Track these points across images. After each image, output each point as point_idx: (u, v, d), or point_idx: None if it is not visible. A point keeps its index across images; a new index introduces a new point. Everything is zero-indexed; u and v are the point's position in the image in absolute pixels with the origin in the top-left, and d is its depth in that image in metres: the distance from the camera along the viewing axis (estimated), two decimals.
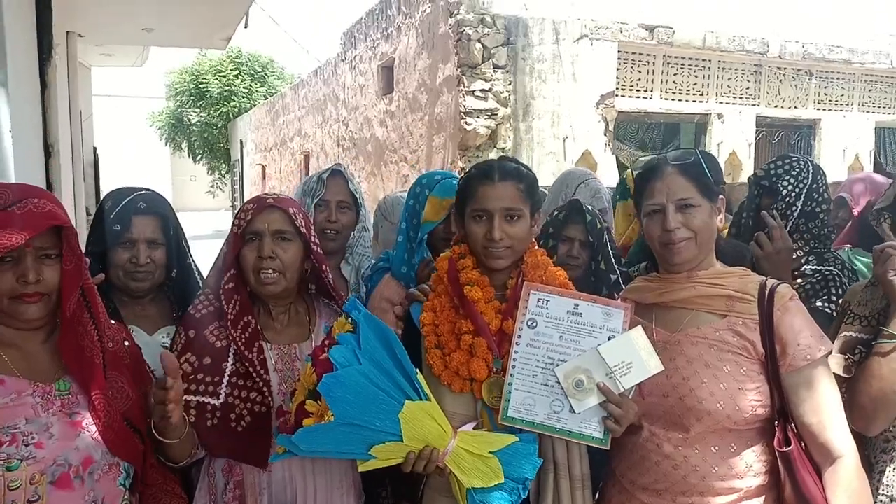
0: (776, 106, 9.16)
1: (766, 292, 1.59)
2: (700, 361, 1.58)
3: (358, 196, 2.43)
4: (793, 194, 2.15)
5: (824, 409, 1.52)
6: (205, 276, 1.94)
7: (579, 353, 1.60)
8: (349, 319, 1.59)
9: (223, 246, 1.77)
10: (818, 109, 9.41)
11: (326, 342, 1.57)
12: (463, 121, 7.28)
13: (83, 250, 1.50)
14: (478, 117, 7.30)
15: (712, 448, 1.56)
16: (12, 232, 1.27)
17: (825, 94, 9.48)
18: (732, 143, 8.68)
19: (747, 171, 8.32)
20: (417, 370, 1.61)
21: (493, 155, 7.27)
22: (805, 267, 2.10)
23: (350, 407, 1.45)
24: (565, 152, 7.62)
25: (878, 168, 9.45)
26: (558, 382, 1.59)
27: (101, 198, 1.94)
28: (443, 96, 7.84)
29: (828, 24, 9.44)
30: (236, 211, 1.77)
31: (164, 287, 1.96)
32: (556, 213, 2.37)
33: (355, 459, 1.51)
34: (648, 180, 1.68)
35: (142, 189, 1.96)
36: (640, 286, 1.80)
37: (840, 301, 1.97)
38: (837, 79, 9.51)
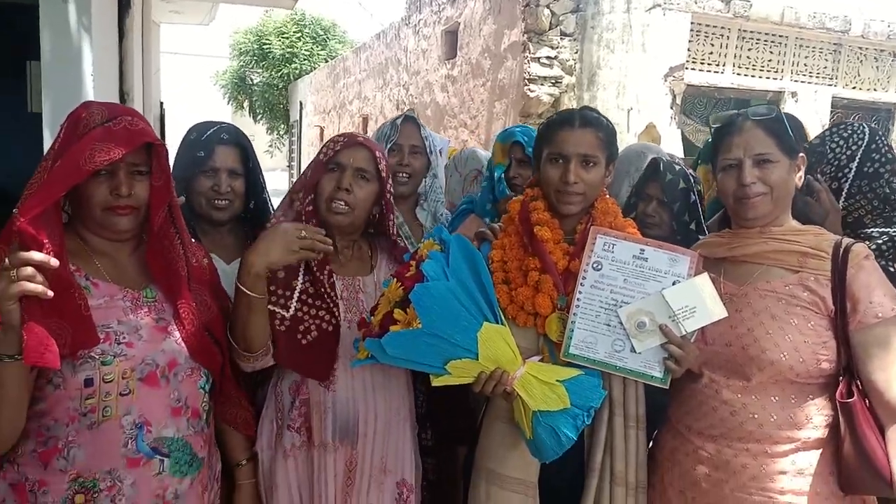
0: (854, 87, 8.73)
1: (841, 250, 1.58)
2: (767, 313, 1.58)
3: (429, 143, 2.47)
4: (844, 156, 2.11)
5: (892, 367, 1.50)
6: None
7: (643, 296, 1.64)
8: (438, 241, 1.64)
9: (305, 171, 1.83)
10: None
11: (412, 262, 1.63)
12: (526, 87, 7.20)
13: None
14: (542, 84, 7.20)
15: (772, 398, 1.57)
16: (111, 146, 1.33)
17: None
18: (805, 123, 8.28)
19: None
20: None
21: None
22: (872, 230, 2.04)
23: (437, 318, 1.52)
24: (629, 124, 7.46)
25: None
26: (620, 323, 1.64)
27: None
28: (507, 62, 7.75)
29: None
30: (324, 142, 1.83)
31: (242, 218, 2.03)
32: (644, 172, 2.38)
33: (431, 373, 1.58)
34: (727, 135, 1.67)
35: (222, 122, 2.03)
36: (709, 241, 1.80)
37: None
38: None
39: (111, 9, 4.32)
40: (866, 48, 8.73)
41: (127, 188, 1.39)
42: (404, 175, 2.40)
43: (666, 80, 7.68)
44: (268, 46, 20.44)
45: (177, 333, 1.45)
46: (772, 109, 1.69)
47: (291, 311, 1.71)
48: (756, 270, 1.65)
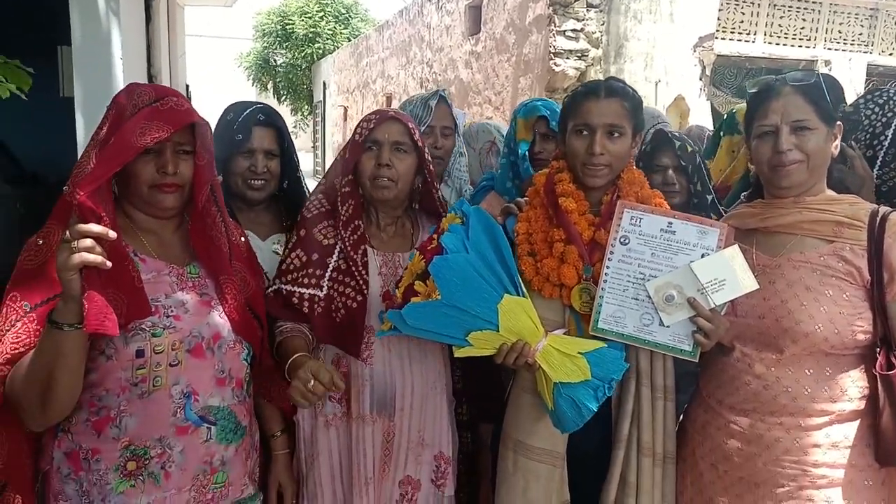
0: (891, 54, 8.49)
1: (878, 219, 1.55)
2: (801, 285, 1.56)
3: (458, 122, 2.48)
4: (880, 122, 2.06)
5: None
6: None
7: (671, 270, 1.63)
8: (459, 214, 1.66)
9: (341, 153, 1.86)
10: None
11: (435, 235, 1.65)
12: (552, 62, 7.13)
13: None
14: (567, 58, 7.12)
15: (806, 370, 1.55)
16: (159, 125, 1.37)
17: None
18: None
19: None
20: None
21: None
22: None
23: (455, 289, 1.54)
24: (657, 96, 7.36)
25: None
26: (649, 297, 1.63)
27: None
28: (532, 36, 7.67)
29: None
30: (358, 121, 1.86)
31: (277, 197, 2.07)
32: (643, 147, 2.37)
33: (453, 345, 1.61)
34: (764, 100, 1.64)
35: (260, 103, 2.05)
36: (741, 212, 1.78)
37: None
38: None
39: None
40: None
41: (173, 166, 1.42)
42: (437, 157, 2.41)
43: (695, 51, 7.55)
44: (291, 27, 20.44)
45: (220, 308, 1.50)
46: (811, 75, 1.65)
47: (325, 290, 1.76)
48: (790, 241, 1.63)
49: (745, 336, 1.63)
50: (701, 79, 7.56)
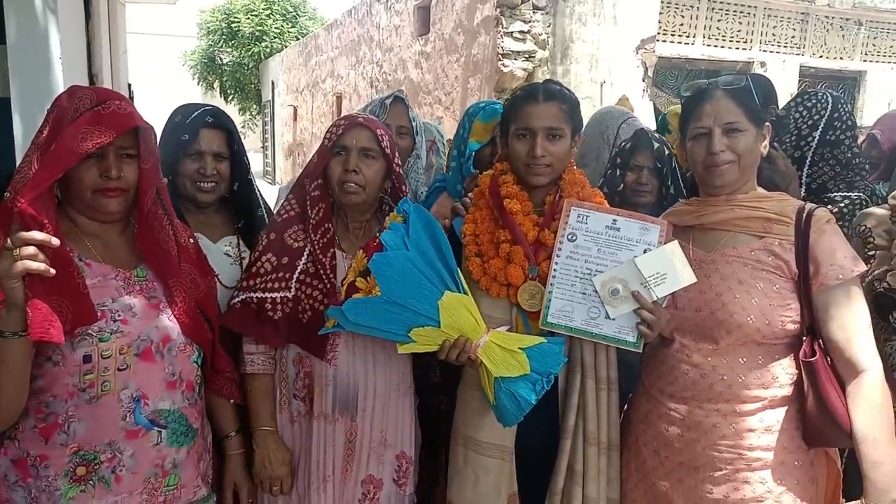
0: (821, 56, 8.88)
1: (804, 215, 1.64)
2: (734, 278, 1.65)
3: (416, 124, 2.51)
4: (807, 125, 2.20)
5: (852, 326, 1.58)
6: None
7: (616, 265, 1.70)
8: (401, 213, 1.70)
9: (313, 157, 1.88)
10: (865, 61, 9.11)
11: (379, 234, 1.69)
12: (500, 62, 7.21)
13: None
14: (515, 59, 7.21)
15: (740, 359, 1.64)
16: (101, 130, 1.36)
17: (873, 46, 9.16)
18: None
19: None
20: (458, 268, 1.72)
21: None
22: (834, 194, 2.13)
23: (395, 286, 1.58)
24: (602, 97, 7.52)
25: None
26: (595, 291, 1.70)
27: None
28: (480, 37, 7.74)
29: None
30: (329, 126, 1.87)
31: (227, 199, 2.06)
32: (623, 144, 2.44)
33: (396, 341, 1.64)
34: (697, 104, 1.72)
35: (208, 105, 2.04)
36: (678, 209, 1.87)
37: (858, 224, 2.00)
38: (888, 30, 9.17)
39: None
40: (832, 17, 8.87)
41: (116, 171, 1.42)
42: None
43: (638, 53, 7.75)
44: (236, 25, 20.05)
45: (169, 311, 1.50)
46: (741, 79, 1.74)
47: (293, 291, 1.78)
48: (723, 237, 1.71)
49: (684, 328, 1.71)
50: (644, 80, 7.77)
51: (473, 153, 2.40)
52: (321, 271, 1.78)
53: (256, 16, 20.05)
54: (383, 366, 1.83)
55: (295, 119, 16.76)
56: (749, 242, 1.68)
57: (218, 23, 20.33)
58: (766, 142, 1.75)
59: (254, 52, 20.08)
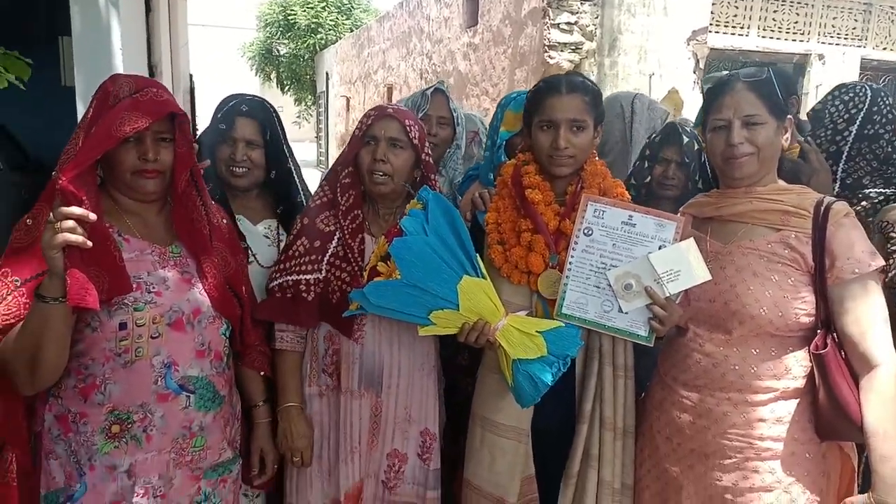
0: (885, 48, 8.52)
1: (822, 208, 1.63)
2: (749, 270, 1.65)
3: (456, 115, 2.57)
4: (842, 119, 2.14)
5: (866, 320, 1.56)
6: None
7: (630, 260, 1.72)
8: (421, 200, 1.76)
9: (346, 147, 1.96)
10: None
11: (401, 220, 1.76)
12: (546, 54, 7.19)
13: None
14: (562, 51, 7.19)
15: (753, 350, 1.64)
16: (138, 115, 1.46)
17: None
18: (833, 86, 8.18)
19: None
20: (477, 254, 1.77)
21: None
22: (870, 190, 2.09)
23: (415, 270, 1.65)
24: (651, 89, 7.41)
25: None
26: (609, 285, 1.72)
27: (197, 121, 2.15)
28: (527, 29, 7.73)
29: None
30: (360, 116, 1.95)
31: (266, 185, 2.16)
32: (653, 136, 2.45)
33: (417, 323, 1.71)
34: (717, 96, 1.72)
35: (250, 95, 2.15)
36: (699, 201, 1.87)
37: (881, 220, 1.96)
38: None
39: None
40: None
41: (153, 154, 1.52)
42: (433, 145, 2.50)
43: (689, 44, 7.60)
44: (293, 17, 20.46)
45: (200, 285, 1.60)
46: (762, 71, 1.73)
47: (323, 273, 1.87)
48: (741, 229, 1.71)
49: (698, 318, 1.72)
50: (695, 72, 7.61)
51: (504, 142, 2.45)
52: (349, 255, 1.86)
53: (312, 8, 20.41)
54: (408, 346, 1.90)
55: (347, 110, 17.02)
56: (766, 235, 1.67)
57: (275, 15, 20.78)
58: (788, 134, 1.74)
59: (309, 44, 20.45)
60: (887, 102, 2.17)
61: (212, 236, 1.66)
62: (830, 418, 1.58)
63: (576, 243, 1.77)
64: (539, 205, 1.85)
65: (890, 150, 2.14)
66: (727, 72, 1.77)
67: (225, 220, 1.80)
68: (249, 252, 2.00)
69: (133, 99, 1.48)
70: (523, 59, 7.83)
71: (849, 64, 8.35)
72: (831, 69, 8.23)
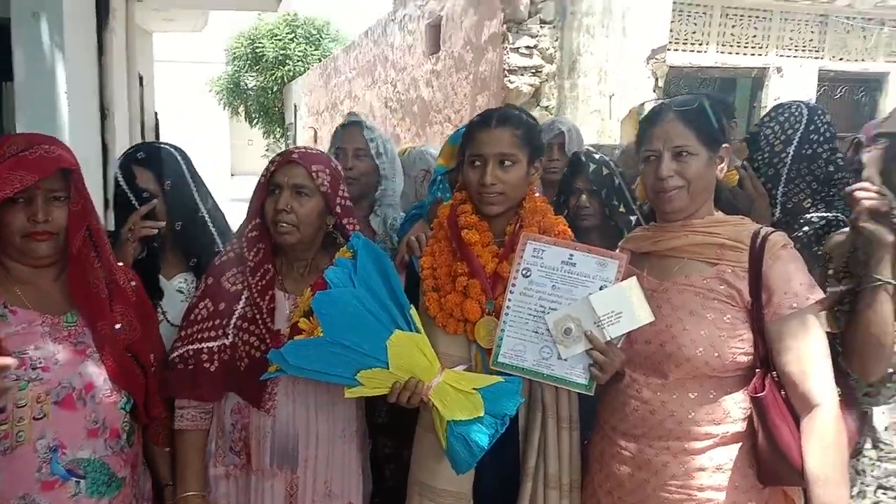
0: (841, 59, 8.63)
1: (759, 240, 1.56)
2: (685, 309, 1.57)
3: (375, 145, 2.46)
4: (779, 140, 2.08)
5: (806, 359, 1.48)
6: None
7: (571, 302, 1.62)
8: (351, 248, 1.65)
9: (252, 196, 1.82)
10: (889, 62, 8.82)
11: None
12: (506, 79, 7.17)
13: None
14: (521, 75, 7.17)
15: (690, 394, 1.56)
16: (23, 173, 1.36)
17: None
18: (791, 98, 8.24)
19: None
20: (412, 305, 1.66)
21: (535, 114, 7.15)
22: (811, 214, 2.02)
23: (340, 326, 1.52)
24: (611, 110, 7.41)
25: None
26: (548, 330, 1.62)
27: None
28: (487, 54, 7.72)
29: None
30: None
31: (176, 236, 2.02)
32: (566, 169, 2.43)
33: (343, 385, 1.58)
34: (648, 126, 1.66)
35: (156, 142, 2.03)
36: (637, 235, 1.80)
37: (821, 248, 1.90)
38: None
39: (88, 25, 4.35)
40: (853, 18, 8.62)
41: (43, 214, 1.42)
42: (351, 179, 2.40)
43: (648, 63, 7.63)
44: (261, 49, 20.46)
45: (96, 356, 1.48)
46: (694, 100, 1.67)
47: (230, 338, 1.72)
48: (677, 265, 1.63)
49: (635, 361, 1.63)
50: (654, 91, 7.63)
51: (439, 177, 2.37)
52: (258, 316, 1.72)
53: (280, 40, 20.44)
54: (326, 411, 1.76)
55: (315, 141, 16.94)
56: (702, 270, 1.60)
57: (243, 48, 20.77)
58: (724, 164, 1.68)
59: (277, 76, 20.43)
60: (824, 121, 2.11)
61: (112, 300, 1.54)
62: (771, 464, 1.50)
63: (513, 286, 1.67)
64: (476, 246, 1.76)
65: (830, 169, 2.08)
66: (662, 101, 1.71)
67: (133, 282, 1.68)
68: (160, 309, 1.87)
69: (19, 157, 1.39)
70: (484, 85, 7.81)
71: (806, 76, 8.44)
72: (790, 81, 8.32)
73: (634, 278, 1.61)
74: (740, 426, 1.55)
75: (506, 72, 7.22)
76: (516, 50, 7.19)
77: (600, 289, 1.61)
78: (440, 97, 9.17)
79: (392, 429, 2.06)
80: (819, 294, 1.52)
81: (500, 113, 1.79)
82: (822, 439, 1.44)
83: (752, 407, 1.51)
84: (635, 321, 1.58)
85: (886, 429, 1.64)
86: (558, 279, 1.65)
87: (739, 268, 1.56)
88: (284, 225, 1.73)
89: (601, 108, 7.42)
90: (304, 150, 1.84)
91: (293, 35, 20.70)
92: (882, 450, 1.64)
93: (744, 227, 1.62)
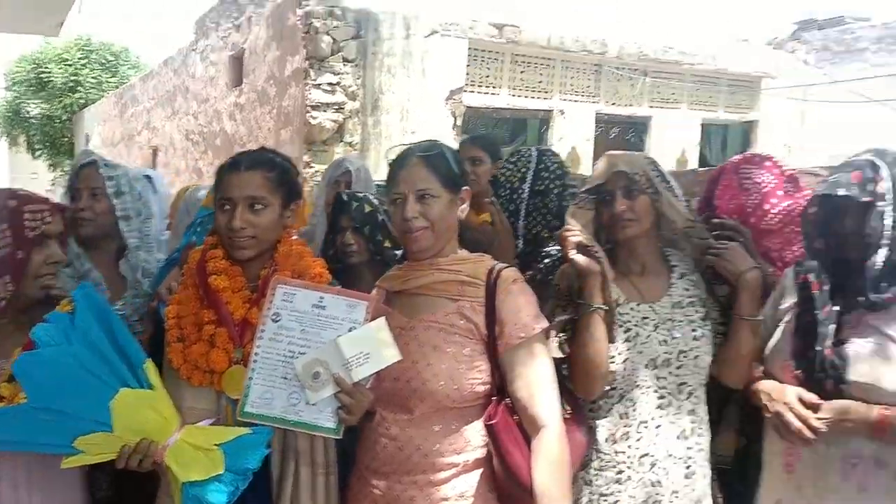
0: (614, 103, 9.74)
1: (493, 276, 1.68)
2: (429, 345, 1.64)
3: (114, 183, 2.29)
4: (516, 178, 2.31)
5: (534, 384, 1.60)
6: None
7: (320, 345, 1.62)
8: (71, 301, 1.51)
9: None
10: (651, 107, 10.10)
11: None
12: (309, 115, 7.17)
13: None
14: (324, 111, 7.21)
15: (434, 427, 1.62)
16: None
17: (658, 93, 10.19)
18: (573, 138, 9.17)
19: (586, 165, 8.79)
20: (148, 359, 1.56)
21: (339, 149, 7.22)
22: (549, 248, 2.22)
23: (48, 389, 1.38)
24: None
25: (702, 162, 10.28)
26: (296, 375, 1.61)
27: None
28: (290, 89, 7.68)
29: (661, 27, 10.17)
30: None
31: None
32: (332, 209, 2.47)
33: (60, 454, 1.43)
34: (395, 170, 1.73)
35: None
36: (391, 274, 1.85)
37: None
38: (668, 79, 10.26)
39: None
40: (622, 68, 9.77)
41: None
42: (85, 219, 2.21)
43: (447, 103, 8.05)
44: (47, 75, 18.58)
45: None
46: (435, 146, 1.76)
47: None
48: (424, 302, 1.71)
49: (384, 400, 1.66)
50: (453, 129, 8.06)
51: (201, 221, 2.28)
52: None
53: (70, 65, 18.70)
54: (43, 488, 1.58)
55: None
56: (445, 306, 1.68)
57: (26, 73, 18.73)
58: (466, 205, 1.79)
59: (66, 104, 18.64)
60: (553, 161, 2.36)
61: None
62: (505, 486, 1.60)
63: (262, 332, 1.62)
64: (225, 292, 1.69)
65: (564, 203, 2.31)
66: (408, 146, 1.78)
67: None
68: None
69: None
70: (287, 120, 7.74)
71: (585, 118, 9.40)
72: (571, 122, 9.21)
73: (382, 319, 1.65)
74: (480, 453, 1.63)
75: (309, 107, 7.22)
76: (319, 86, 7.23)
77: (349, 330, 1.62)
78: (244, 130, 8.93)
79: (117, 500, 1.90)
80: (544, 323, 1.66)
81: (250, 156, 1.77)
82: (547, 458, 1.55)
83: (487, 433, 1.60)
84: (382, 361, 1.61)
85: (606, 440, 1.82)
86: (308, 323, 1.64)
87: (477, 302, 1.66)
88: None
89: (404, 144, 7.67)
90: (19, 192, 1.66)
91: (86, 60, 19.06)
92: (602, 460, 1.82)
93: (482, 263, 1.73)
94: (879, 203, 1.65)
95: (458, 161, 1.80)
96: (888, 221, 1.64)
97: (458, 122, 8.12)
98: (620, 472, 1.79)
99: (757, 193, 2.10)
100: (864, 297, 1.67)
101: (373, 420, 1.67)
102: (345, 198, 2.38)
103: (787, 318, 1.83)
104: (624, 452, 1.80)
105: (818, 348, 1.70)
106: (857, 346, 1.68)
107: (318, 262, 1.88)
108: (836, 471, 1.70)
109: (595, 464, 1.81)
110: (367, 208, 2.36)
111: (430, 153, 1.73)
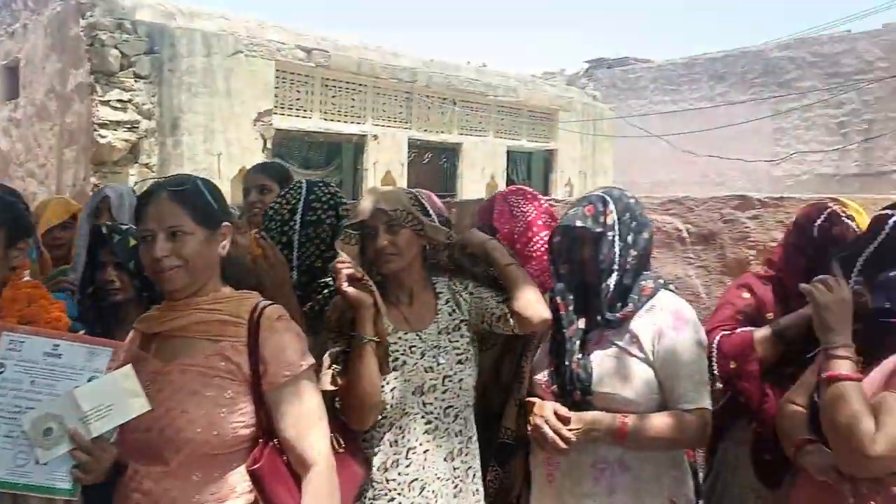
0: (426, 130, 10.07)
1: (256, 314, 1.62)
2: (186, 390, 1.54)
3: None
4: (287, 210, 2.28)
5: (301, 422, 1.56)
6: None
7: (53, 398, 1.46)
8: None
9: None
10: (461, 134, 10.60)
11: None
12: (97, 133, 6.57)
13: None
14: (115, 130, 6.65)
15: (194, 477, 1.52)
16: None
17: (466, 121, 10.73)
18: (388, 162, 9.33)
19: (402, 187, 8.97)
20: None
21: (133, 171, 6.70)
22: (324, 280, 2.21)
23: None
24: (220, 169, 7.35)
25: (509, 185, 10.98)
26: (24, 432, 1.43)
27: None
28: (74, 105, 7.00)
29: (467, 59, 10.74)
30: None
31: None
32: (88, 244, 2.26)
33: None
34: (143, 206, 1.61)
35: None
36: (148, 315, 1.72)
37: None
38: (476, 109, 10.84)
39: None
40: (432, 96, 10.15)
41: None
42: None
43: (255, 125, 7.81)
44: None
45: None
46: (188, 181, 1.67)
47: None
48: (182, 344, 1.61)
49: (136, 452, 1.53)
50: (263, 151, 7.84)
51: None
52: None
53: None
54: None
55: None
56: (206, 348, 1.59)
57: None
58: (226, 241, 1.71)
59: None
60: (326, 191, 2.34)
61: None
62: None
63: None
64: None
65: (337, 234, 2.30)
66: (158, 180, 1.68)
67: None
68: None
69: None
70: (72, 138, 7.04)
71: (399, 143, 9.62)
72: (385, 147, 9.37)
73: (129, 366, 1.52)
74: (246, 499, 1.55)
75: (96, 125, 6.62)
76: (107, 103, 6.67)
77: (89, 380, 1.49)
78: (21, 148, 7.99)
79: None
80: (310, 360, 1.63)
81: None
82: (315, 497, 1.52)
83: (251, 479, 1.54)
84: (129, 412, 1.48)
85: (378, 469, 1.83)
86: (39, 373, 1.47)
87: (239, 342, 1.59)
88: None
89: (209, 166, 7.30)
90: None
91: None
92: (375, 489, 1.83)
93: (246, 301, 1.66)
94: (609, 233, 1.85)
95: (215, 195, 1.73)
96: (616, 250, 1.84)
97: (269, 145, 7.90)
98: (392, 499, 1.81)
99: (523, 221, 2.26)
100: (602, 315, 1.85)
101: (124, 473, 1.54)
102: (104, 230, 2.18)
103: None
104: (395, 479, 1.82)
105: (567, 363, 1.85)
106: (599, 360, 1.85)
107: (56, 304, 1.72)
108: (588, 476, 1.85)
109: (369, 493, 1.81)
110: (132, 241, 2.18)
111: (180, 188, 1.64)
